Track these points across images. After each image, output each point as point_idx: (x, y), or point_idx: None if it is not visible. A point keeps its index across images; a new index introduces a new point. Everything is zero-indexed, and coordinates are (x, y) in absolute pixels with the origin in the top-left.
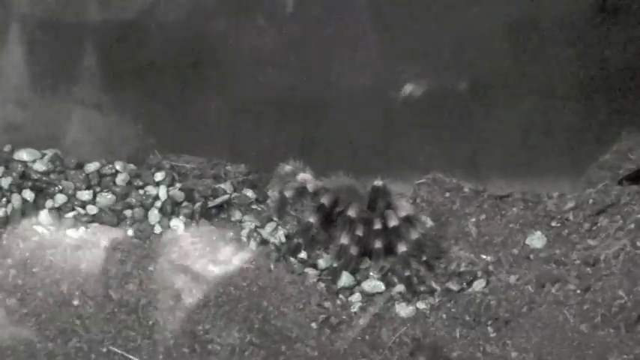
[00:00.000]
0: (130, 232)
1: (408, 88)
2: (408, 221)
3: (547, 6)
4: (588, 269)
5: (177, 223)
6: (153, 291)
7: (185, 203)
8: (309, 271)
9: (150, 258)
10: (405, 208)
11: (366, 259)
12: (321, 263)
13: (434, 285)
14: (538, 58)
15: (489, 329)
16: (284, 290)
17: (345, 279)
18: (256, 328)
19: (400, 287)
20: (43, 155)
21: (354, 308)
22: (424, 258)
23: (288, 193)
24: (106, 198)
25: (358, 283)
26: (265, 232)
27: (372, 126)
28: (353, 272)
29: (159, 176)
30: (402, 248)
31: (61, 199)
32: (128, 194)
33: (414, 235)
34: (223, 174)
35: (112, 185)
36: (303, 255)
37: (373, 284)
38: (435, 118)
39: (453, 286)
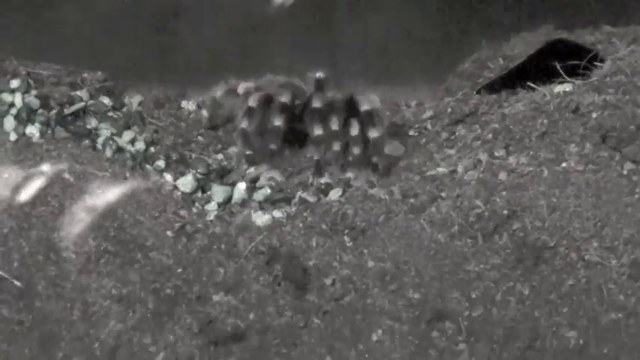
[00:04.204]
0: None
1: None
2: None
3: None
4: (446, 179)
5: (32, 131)
6: (7, 199)
7: (41, 111)
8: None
9: (4, 165)
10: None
11: None
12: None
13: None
14: None
15: (346, 238)
16: (139, 198)
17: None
18: (111, 236)
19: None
20: None
21: (210, 217)
22: None
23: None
24: None
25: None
26: (122, 140)
27: (232, 33)
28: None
29: (14, 83)
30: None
31: None
32: None
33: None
34: (80, 81)
35: None
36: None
37: None
38: (295, 26)
39: (309, 198)
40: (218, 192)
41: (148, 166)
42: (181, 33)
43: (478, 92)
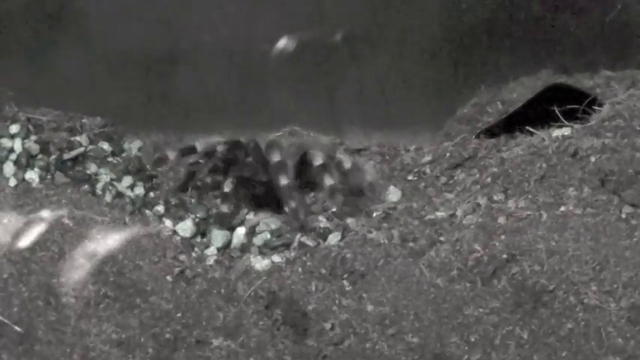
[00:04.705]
0: None
1: (282, 42)
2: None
3: None
4: (444, 223)
5: (32, 176)
6: (7, 244)
7: (40, 156)
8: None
9: (4, 210)
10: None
11: None
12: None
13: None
14: (398, 11)
15: (345, 282)
16: (139, 243)
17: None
18: (111, 281)
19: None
20: None
21: (210, 261)
22: None
23: None
24: None
25: None
26: (121, 185)
27: (231, 79)
28: None
29: (14, 129)
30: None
31: None
32: None
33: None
34: (79, 127)
35: None
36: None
37: None
38: (294, 72)
39: (309, 242)
40: (217, 237)
41: (147, 211)
42: (181, 79)
43: (477, 136)
